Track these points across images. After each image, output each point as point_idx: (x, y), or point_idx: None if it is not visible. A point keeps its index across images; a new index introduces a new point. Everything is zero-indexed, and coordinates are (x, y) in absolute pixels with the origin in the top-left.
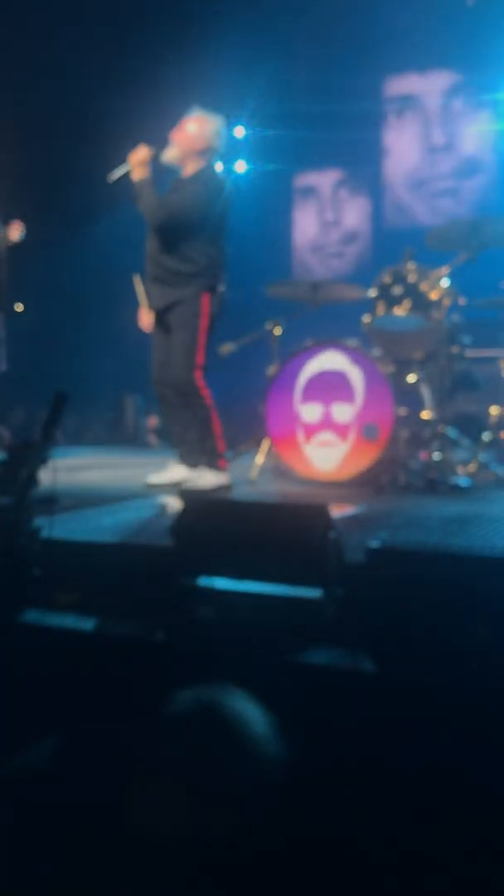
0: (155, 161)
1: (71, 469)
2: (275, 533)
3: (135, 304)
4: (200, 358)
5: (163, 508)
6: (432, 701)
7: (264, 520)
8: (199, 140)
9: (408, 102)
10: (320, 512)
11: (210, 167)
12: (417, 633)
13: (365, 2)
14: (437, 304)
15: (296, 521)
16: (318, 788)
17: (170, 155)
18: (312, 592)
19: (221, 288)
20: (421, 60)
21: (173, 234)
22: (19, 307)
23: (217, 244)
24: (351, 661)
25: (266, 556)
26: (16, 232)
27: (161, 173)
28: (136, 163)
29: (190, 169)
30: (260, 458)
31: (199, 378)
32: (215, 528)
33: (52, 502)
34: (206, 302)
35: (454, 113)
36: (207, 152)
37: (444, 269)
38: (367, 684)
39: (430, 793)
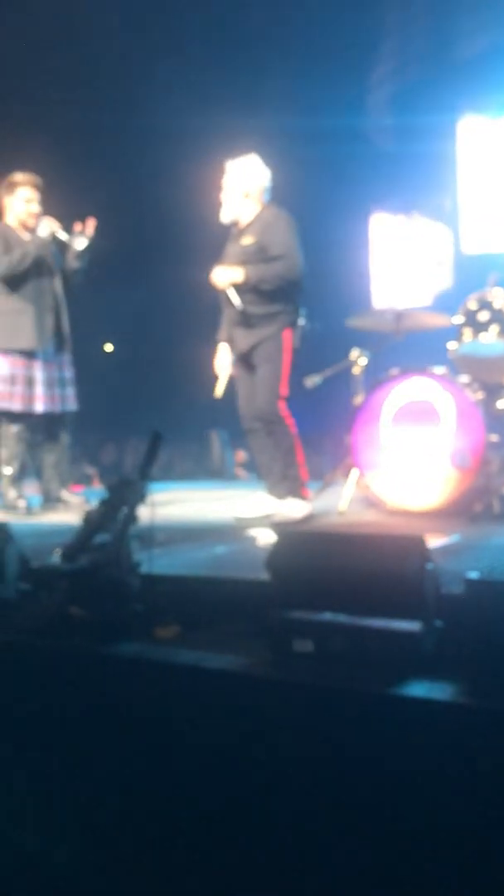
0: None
1: (162, 503)
2: (371, 565)
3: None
4: (285, 390)
5: (254, 541)
6: None
7: (360, 551)
8: (239, 186)
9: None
10: (417, 543)
11: (270, 206)
12: None
13: (440, 40)
14: None
15: (392, 552)
16: (414, 817)
17: (224, 215)
18: (411, 625)
19: (302, 322)
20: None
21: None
22: (109, 347)
23: (298, 280)
24: (451, 695)
25: (362, 589)
26: (90, 227)
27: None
28: (227, 282)
29: (248, 214)
30: (348, 489)
31: (283, 408)
32: (310, 561)
33: (150, 538)
34: (288, 337)
35: None
36: (254, 193)
37: None
38: (467, 718)
39: None
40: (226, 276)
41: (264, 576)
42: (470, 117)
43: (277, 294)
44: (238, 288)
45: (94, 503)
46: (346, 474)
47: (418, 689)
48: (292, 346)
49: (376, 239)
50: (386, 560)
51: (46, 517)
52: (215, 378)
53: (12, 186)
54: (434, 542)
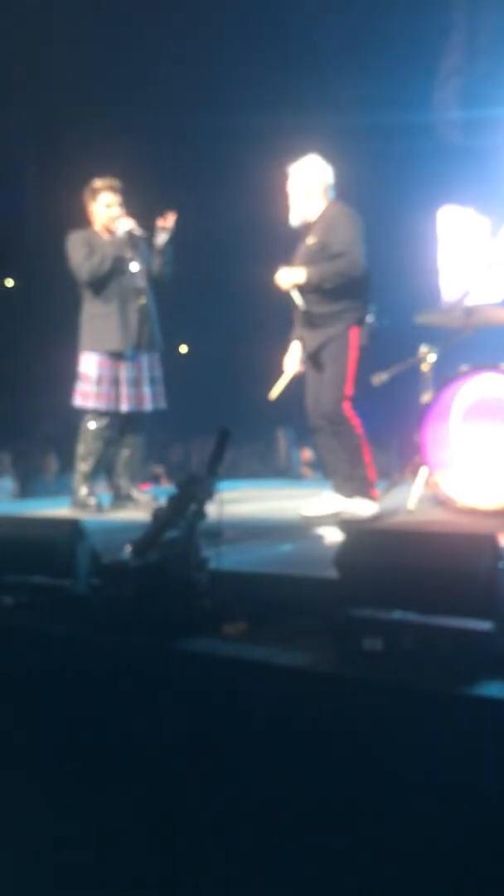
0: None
1: (228, 501)
2: (442, 563)
3: (282, 339)
4: (349, 389)
5: (321, 539)
6: None
7: (431, 549)
8: (300, 187)
9: None
10: (489, 541)
11: (334, 203)
12: None
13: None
14: None
15: (463, 550)
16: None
17: (293, 217)
18: (483, 624)
19: (369, 319)
20: None
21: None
22: (183, 349)
23: (361, 277)
24: None
25: (433, 587)
26: (170, 221)
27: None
28: (290, 284)
29: (313, 213)
30: (418, 488)
31: (347, 408)
32: (380, 559)
33: (217, 535)
34: (355, 335)
35: None
36: (315, 192)
37: None
38: None
39: None
40: (288, 278)
41: (332, 573)
42: None
43: (341, 292)
44: (301, 288)
45: (162, 501)
46: (416, 473)
47: (490, 689)
48: (359, 343)
49: (445, 233)
50: (457, 558)
51: (116, 514)
52: (281, 373)
53: (94, 193)
54: None
